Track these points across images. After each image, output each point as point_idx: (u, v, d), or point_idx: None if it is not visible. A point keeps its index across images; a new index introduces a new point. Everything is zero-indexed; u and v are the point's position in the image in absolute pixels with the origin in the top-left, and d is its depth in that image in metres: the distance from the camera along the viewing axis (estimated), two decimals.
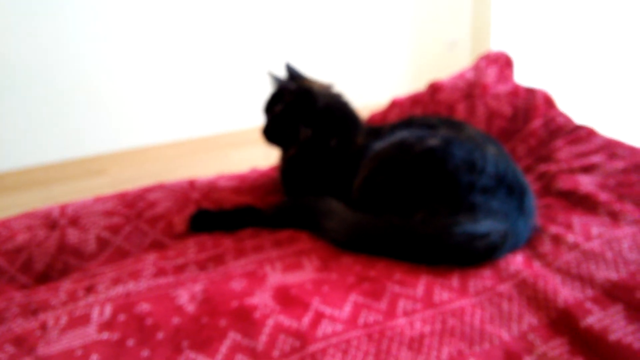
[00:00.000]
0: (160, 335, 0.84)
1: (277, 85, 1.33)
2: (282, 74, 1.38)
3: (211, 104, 3.33)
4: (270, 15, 3.31)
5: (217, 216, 1.24)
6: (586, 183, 1.23)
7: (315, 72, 3.42)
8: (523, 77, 3.31)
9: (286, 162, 1.33)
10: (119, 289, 1.00)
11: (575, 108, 3.29)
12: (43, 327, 0.89)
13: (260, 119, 1.36)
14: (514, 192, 1.08)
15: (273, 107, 1.32)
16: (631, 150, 1.36)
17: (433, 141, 1.12)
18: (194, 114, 3.31)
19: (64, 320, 0.89)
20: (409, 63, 3.87)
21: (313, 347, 0.80)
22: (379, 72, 3.78)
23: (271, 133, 1.32)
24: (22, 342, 0.85)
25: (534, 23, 3.49)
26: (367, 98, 3.78)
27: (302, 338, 0.82)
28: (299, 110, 1.27)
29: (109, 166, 3.04)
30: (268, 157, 1.48)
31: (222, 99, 3.35)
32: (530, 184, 1.33)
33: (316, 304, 0.90)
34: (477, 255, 1.00)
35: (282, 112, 1.30)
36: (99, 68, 3.00)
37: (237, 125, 3.39)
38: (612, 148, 1.37)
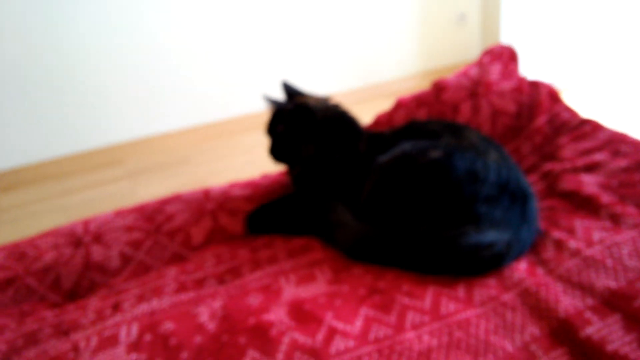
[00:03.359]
0: (184, 355, 0.90)
1: (274, 107, 1.36)
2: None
3: (222, 89, 3.33)
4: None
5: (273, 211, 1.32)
6: (589, 183, 1.26)
7: (325, 51, 3.41)
8: (536, 49, 3.30)
9: (295, 180, 1.37)
10: (144, 307, 1.06)
11: (588, 73, 3.34)
12: (75, 348, 0.95)
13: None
14: (517, 199, 1.12)
15: (275, 127, 1.36)
16: (636, 145, 1.37)
17: (435, 153, 1.15)
18: (206, 100, 3.31)
19: (94, 341, 0.96)
20: (418, 37, 3.83)
21: None
22: (388, 47, 3.74)
23: (277, 153, 1.36)
24: None
25: None
26: (377, 75, 3.77)
27: (317, 355, 0.87)
28: (299, 128, 1.31)
29: (124, 156, 3.10)
30: None
31: (233, 83, 3.34)
32: (535, 183, 1.36)
33: (329, 319, 0.95)
34: (482, 265, 1.04)
35: (283, 132, 1.33)
36: (109, 58, 3.01)
37: (249, 109, 3.39)
38: (616, 144, 1.39)
